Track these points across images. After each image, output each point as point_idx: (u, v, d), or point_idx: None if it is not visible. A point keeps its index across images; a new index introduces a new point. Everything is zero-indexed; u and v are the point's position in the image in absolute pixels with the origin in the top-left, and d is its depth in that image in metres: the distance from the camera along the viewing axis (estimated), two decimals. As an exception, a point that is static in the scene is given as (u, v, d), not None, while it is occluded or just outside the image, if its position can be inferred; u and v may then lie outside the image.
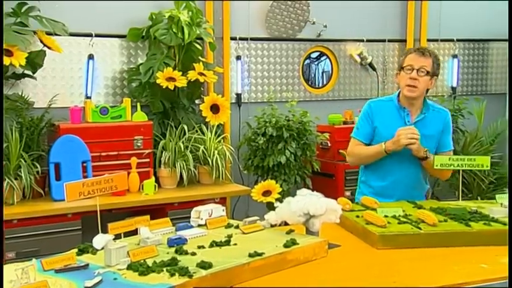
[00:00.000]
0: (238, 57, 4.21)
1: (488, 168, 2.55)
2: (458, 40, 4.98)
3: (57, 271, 1.60)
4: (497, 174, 4.60)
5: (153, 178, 3.40)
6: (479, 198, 4.21)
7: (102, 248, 1.67)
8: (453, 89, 5.00)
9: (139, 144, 3.44)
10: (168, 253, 1.74)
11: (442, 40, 4.90)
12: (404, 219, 2.12)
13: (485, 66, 5.18)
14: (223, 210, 2.18)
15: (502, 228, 2.01)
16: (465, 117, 4.47)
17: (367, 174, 2.79)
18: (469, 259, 1.85)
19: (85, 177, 3.14)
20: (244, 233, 1.98)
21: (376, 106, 2.74)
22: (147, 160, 3.45)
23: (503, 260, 1.83)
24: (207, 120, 3.72)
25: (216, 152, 3.57)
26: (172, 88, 3.51)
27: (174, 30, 3.54)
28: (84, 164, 3.21)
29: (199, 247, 1.81)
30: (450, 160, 2.53)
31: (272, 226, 2.07)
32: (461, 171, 2.57)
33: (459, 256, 1.89)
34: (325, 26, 4.41)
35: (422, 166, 2.69)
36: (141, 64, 3.69)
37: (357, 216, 2.19)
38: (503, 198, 2.28)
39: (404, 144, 2.54)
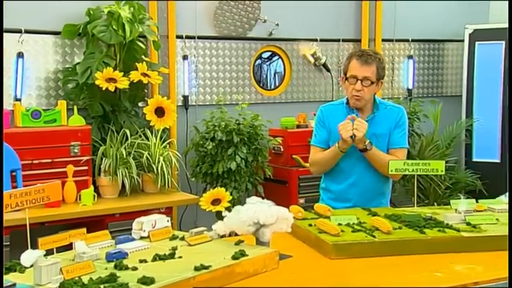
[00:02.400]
0: (184, 57, 4.20)
1: (443, 173, 2.63)
2: (413, 40, 5.15)
3: (-20, 292, 1.54)
4: (453, 179, 4.78)
5: (91, 187, 3.34)
6: (435, 203, 4.36)
7: (32, 266, 1.61)
8: (409, 90, 5.17)
9: (76, 150, 3.36)
10: (106, 269, 1.71)
11: (397, 40, 5.06)
12: (359, 227, 2.16)
13: (440, 68, 5.39)
14: (168, 220, 2.16)
15: (456, 234, 2.08)
16: (421, 120, 4.62)
17: (326, 180, 2.85)
18: (424, 267, 1.91)
19: (14, 187, 3.03)
20: (190, 245, 1.97)
21: (327, 110, 2.83)
22: (85, 168, 3.39)
23: (458, 267, 1.90)
24: (151, 124, 3.69)
25: (161, 158, 3.54)
26: (112, 90, 3.46)
27: (114, 27, 3.49)
28: (14, 173, 3.10)
29: (141, 261, 1.78)
30: (405, 165, 2.60)
31: (221, 237, 2.06)
32: (416, 176, 2.65)
33: (414, 264, 1.94)
34: (277, 25, 4.47)
35: (375, 173, 2.74)
36: (77, 63, 3.62)
37: (310, 225, 2.21)
38: (457, 203, 2.36)
39: (346, 137, 2.60)
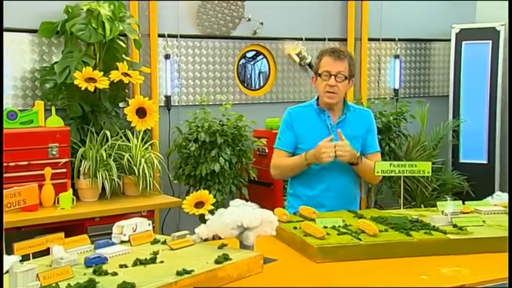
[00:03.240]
0: (167, 56, 4.18)
1: (430, 174, 2.66)
2: (399, 40, 5.19)
3: (-47, 300, 1.52)
4: (440, 180, 4.82)
5: (70, 190, 3.31)
6: (422, 205, 4.39)
7: (7, 272, 1.59)
8: (395, 91, 5.21)
9: (54, 152, 3.33)
10: (85, 274, 1.70)
11: (383, 39, 5.09)
12: (344, 230, 2.17)
13: (427, 68, 5.44)
14: (149, 224, 2.16)
15: (442, 237, 2.10)
16: (408, 121, 4.66)
17: (295, 185, 2.84)
18: (410, 270, 1.92)
19: (-10, 191, 3.00)
20: (172, 249, 1.96)
21: (295, 113, 2.82)
22: (64, 170, 3.35)
23: (444, 270, 1.91)
24: (132, 125, 3.67)
25: (142, 160, 3.52)
26: (92, 90, 3.43)
27: (93, 25, 3.46)
28: (-11, 176, 3.07)
29: (121, 266, 1.77)
30: (391, 166, 2.62)
31: (204, 240, 2.06)
32: (402, 178, 2.67)
33: (400, 267, 1.96)
34: (262, 23, 4.47)
35: (353, 171, 2.77)
36: (55, 63, 3.59)
37: (295, 228, 2.22)
38: (443, 205, 2.39)
39: (326, 162, 2.61)
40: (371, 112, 2.89)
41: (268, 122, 4.32)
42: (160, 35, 4.13)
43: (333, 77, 2.68)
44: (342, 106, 2.79)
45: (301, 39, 4.70)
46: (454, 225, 2.21)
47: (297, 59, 4.70)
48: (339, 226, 2.22)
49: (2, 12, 3.06)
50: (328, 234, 2.10)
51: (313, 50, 4.75)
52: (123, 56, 3.74)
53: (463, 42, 5.08)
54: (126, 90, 3.90)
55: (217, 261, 1.80)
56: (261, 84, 4.71)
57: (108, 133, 3.53)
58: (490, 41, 4.99)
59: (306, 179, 2.77)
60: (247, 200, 2.09)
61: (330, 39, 4.82)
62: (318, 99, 2.81)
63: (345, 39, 4.88)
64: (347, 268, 1.95)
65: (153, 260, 1.83)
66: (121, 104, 3.88)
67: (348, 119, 2.77)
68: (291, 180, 2.88)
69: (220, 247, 1.96)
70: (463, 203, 2.52)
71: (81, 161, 3.44)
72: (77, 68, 3.47)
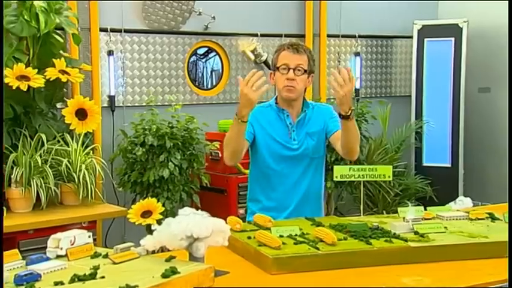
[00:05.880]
0: (110, 53, 4.15)
1: (391, 178, 2.71)
2: (360, 36, 5.29)
3: None
4: (403, 185, 4.93)
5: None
6: (384, 211, 4.48)
7: None
8: (356, 90, 5.30)
9: (-18, 158, 3.24)
10: (15, 293, 1.66)
11: (343, 36, 5.18)
12: (301, 239, 2.19)
13: (388, 66, 5.56)
14: (89, 236, 2.12)
15: (403, 245, 2.15)
16: (369, 122, 4.75)
17: (254, 189, 2.87)
18: (370, 280, 1.96)
19: None
20: (114, 263, 1.94)
21: (256, 111, 2.78)
22: (-7, 178, 3.27)
23: (405, 279, 1.95)
24: (71, 128, 3.60)
25: (83, 166, 3.47)
26: (25, 89, 3.36)
27: (25, 17, 3.39)
28: None
29: (56, 283, 1.73)
30: (350, 170, 2.66)
31: (151, 253, 2.04)
32: (362, 183, 2.72)
33: (359, 278, 1.99)
34: (214, 18, 4.48)
35: (319, 170, 2.81)
36: (-17, 59, 3.50)
37: (249, 238, 2.22)
38: (404, 211, 2.44)
39: (254, 97, 2.49)
40: (331, 107, 2.91)
41: (221, 123, 4.32)
42: (102, 29, 4.09)
43: (291, 70, 2.72)
44: (301, 104, 2.83)
45: (256, 35, 4.73)
46: (416, 232, 2.26)
47: (252, 57, 4.72)
48: (296, 235, 2.24)
49: (2, 12, 3.08)
50: (284, 243, 2.11)
51: (269, 47, 4.79)
52: (61, 51, 3.69)
53: (425, 40, 5.23)
54: (64, 90, 3.84)
55: (164, 275, 1.79)
56: (214, 83, 4.71)
57: (44, 137, 3.46)
58: (453, 38, 5.16)
59: (266, 181, 2.79)
60: (198, 208, 2.09)
61: (287, 36, 4.87)
62: (276, 98, 2.84)
63: (303, 36, 4.94)
64: (304, 279, 1.96)
65: (92, 276, 1.80)
66: (58, 105, 3.82)
67: (308, 117, 2.82)
68: (250, 185, 2.90)
69: (168, 260, 1.94)
70: (425, 209, 2.58)
71: (12, 167, 3.36)
72: (7, 64, 3.39)
